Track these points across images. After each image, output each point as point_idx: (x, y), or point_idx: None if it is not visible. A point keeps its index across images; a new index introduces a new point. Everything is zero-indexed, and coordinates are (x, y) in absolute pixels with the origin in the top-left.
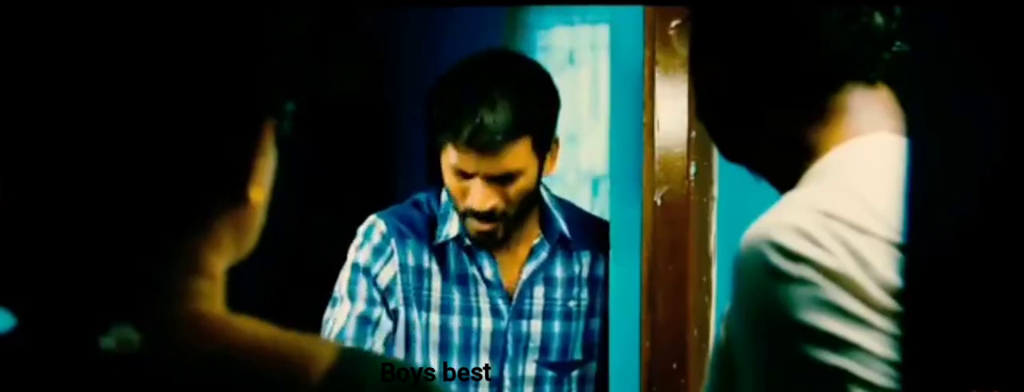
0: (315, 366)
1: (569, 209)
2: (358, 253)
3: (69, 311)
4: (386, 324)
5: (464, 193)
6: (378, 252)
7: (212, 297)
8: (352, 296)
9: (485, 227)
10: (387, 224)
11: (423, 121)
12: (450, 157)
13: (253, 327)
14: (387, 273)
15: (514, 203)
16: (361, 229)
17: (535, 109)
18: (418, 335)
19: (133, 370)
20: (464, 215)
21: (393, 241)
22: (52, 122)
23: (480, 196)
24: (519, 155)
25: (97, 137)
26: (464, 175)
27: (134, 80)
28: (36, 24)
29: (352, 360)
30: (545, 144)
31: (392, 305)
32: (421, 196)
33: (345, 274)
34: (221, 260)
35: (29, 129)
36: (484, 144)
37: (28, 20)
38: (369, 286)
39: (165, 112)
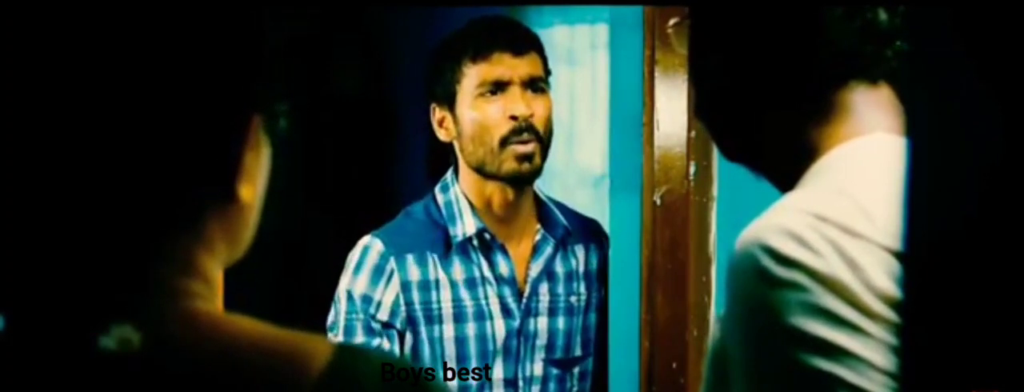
0: (313, 364)
1: (560, 206)
2: (353, 280)
3: (59, 311)
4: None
5: (502, 111)
6: (377, 273)
7: (206, 297)
8: (349, 330)
9: (527, 148)
10: (383, 242)
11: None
12: (482, 74)
13: (250, 326)
14: (389, 296)
15: (544, 132)
16: (355, 252)
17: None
18: (427, 351)
19: (128, 370)
20: (504, 144)
21: (392, 259)
22: (37, 120)
23: (521, 101)
24: (541, 65)
25: (82, 135)
26: (497, 87)
27: (120, 77)
28: (22, 21)
29: (350, 357)
30: (548, 76)
31: (397, 329)
32: (415, 207)
33: (341, 305)
34: (214, 259)
35: (15, 127)
36: (516, 40)
37: (14, 18)
38: (367, 317)
39: (151, 109)
